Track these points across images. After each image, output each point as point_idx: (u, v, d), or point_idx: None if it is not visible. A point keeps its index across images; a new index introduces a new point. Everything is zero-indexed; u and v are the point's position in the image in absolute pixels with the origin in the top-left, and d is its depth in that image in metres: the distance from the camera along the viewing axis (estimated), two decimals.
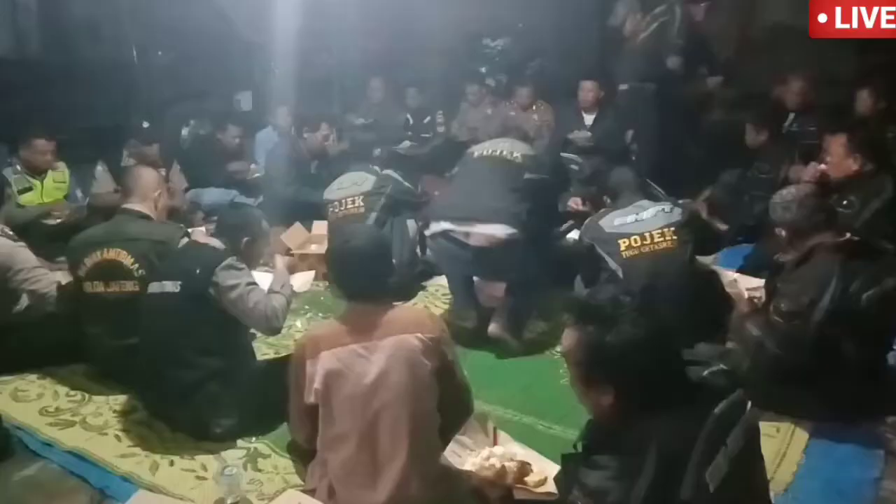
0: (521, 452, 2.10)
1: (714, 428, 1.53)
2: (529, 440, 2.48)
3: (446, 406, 2.25)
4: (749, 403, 1.63)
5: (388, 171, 4.31)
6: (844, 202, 3.35)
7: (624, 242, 3.01)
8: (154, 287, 2.67)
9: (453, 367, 2.32)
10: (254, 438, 2.64)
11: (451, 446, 2.02)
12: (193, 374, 2.60)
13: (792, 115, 4.99)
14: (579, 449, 1.71)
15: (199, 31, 6.65)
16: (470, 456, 2.05)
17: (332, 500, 2.17)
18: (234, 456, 2.56)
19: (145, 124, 5.94)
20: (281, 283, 2.85)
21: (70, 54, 5.96)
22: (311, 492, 2.24)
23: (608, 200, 3.36)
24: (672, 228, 3.03)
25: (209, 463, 2.53)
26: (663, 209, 3.10)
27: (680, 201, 3.55)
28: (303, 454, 2.38)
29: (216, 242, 2.75)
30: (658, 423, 1.53)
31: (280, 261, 3.12)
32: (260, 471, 2.48)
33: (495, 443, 2.12)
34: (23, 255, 3.12)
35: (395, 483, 2.11)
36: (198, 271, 2.59)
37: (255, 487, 2.39)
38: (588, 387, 1.64)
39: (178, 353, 2.60)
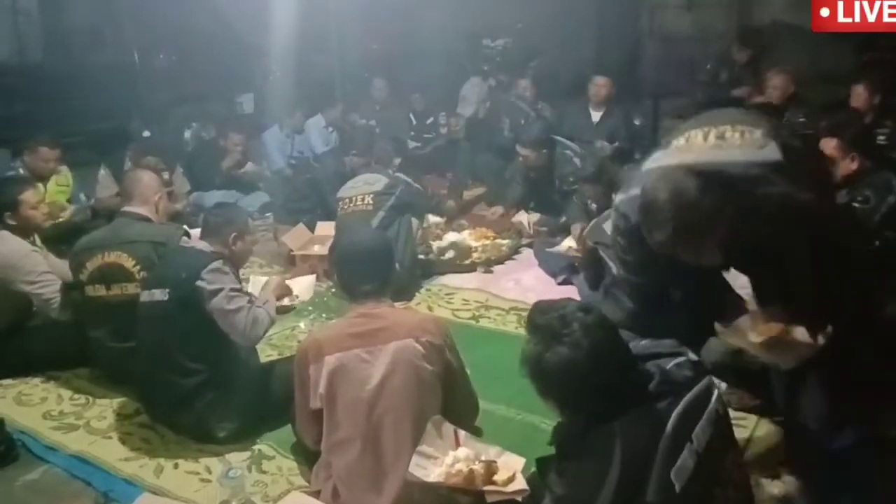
0: (485, 450, 2.08)
1: (678, 425, 1.51)
2: (532, 438, 2.48)
3: (450, 411, 2.23)
4: (715, 392, 1.61)
5: (400, 174, 4.37)
6: (860, 198, 3.34)
7: None
8: (144, 296, 2.67)
9: (458, 372, 2.31)
10: (258, 440, 2.63)
11: (415, 459, 1.99)
12: (191, 380, 2.59)
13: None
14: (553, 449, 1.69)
15: (200, 34, 6.67)
16: (434, 465, 2.03)
17: (337, 502, 2.17)
18: (238, 458, 2.55)
19: (146, 133, 5.94)
20: (264, 301, 2.81)
21: (72, 58, 5.98)
22: (316, 493, 2.24)
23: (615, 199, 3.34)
24: None
25: (213, 465, 2.52)
26: None
27: None
28: (310, 455, 2.38)
29: (203, 245, 2.74)
30: (620, 425, 1.52)
31: (272, 281, 3.07)
32: (264, 472, 2.48)
33: (457, 444, 2.11)
34: (34, 259, 3.14)
35: (400, 487, 2.09)
36: (184, 275, 2.57)
37: (259, 489, 2.38)
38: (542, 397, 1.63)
39: (173, 360, 2.58)
